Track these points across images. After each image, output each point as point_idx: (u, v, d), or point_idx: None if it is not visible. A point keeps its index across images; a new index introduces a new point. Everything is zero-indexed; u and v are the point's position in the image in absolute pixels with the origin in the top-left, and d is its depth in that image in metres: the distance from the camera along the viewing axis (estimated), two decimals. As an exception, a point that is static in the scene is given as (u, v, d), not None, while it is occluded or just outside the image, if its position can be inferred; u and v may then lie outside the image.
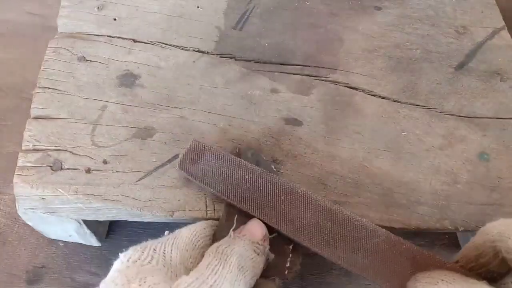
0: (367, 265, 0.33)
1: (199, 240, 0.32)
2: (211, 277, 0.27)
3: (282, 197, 0.35)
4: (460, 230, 0.38)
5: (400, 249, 0.33)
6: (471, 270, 0.30)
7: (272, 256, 0.32)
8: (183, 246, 0.30)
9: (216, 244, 0.30)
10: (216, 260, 0.28)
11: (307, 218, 0.34)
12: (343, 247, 0.33)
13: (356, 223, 0.34)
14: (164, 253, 0.29)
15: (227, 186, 0.35)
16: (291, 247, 0.34)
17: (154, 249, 0.29)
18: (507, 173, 0.40)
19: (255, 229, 0.32)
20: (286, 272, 0.33)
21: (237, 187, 0.35)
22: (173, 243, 0.30)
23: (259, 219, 0.34)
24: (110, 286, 0.25)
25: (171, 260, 0.29)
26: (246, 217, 0.34)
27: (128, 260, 0.28)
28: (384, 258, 0.33)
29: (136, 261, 0.28)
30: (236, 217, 0.34)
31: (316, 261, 0.48)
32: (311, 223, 0.34)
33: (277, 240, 0.33)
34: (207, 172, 0.36)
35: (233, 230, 0.32)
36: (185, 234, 0.31)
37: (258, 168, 0.36)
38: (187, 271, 0.29)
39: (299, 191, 0.35)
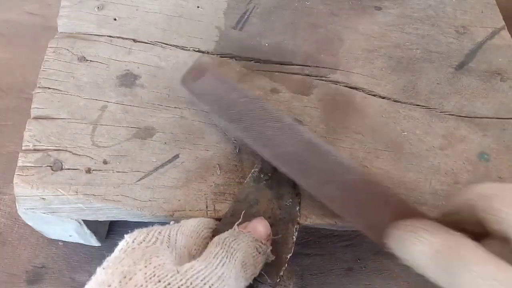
0: (336, 197, 0.34)
1: (203, 230, 0.32)
2: (219, 267, 0.27)
3: (269, 123, 0.36)
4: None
5: (376, 190, 0.34)
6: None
7: (272, 257, 0.32)
8: (188, 232, 0.31)
9: (222, 235, 0.30)
10: (223, 252, 0.28)
11: (288, 146, 0.36)
12: (316, 179, 0.34)
13: (333, 157, 0.35)
14: (169, 236, 0.29)
15: (221, 106, 0.37)
16: (288, 256, 0.34)
17: (159, 232, 0.29)
18: (507, 173, 0.40)
19: (260, 228, 0.32)
20: (278, 280, 0.32)
21: (230, 109, 0.37)
22: (178, 229, 0.30)
23: (244, 140, 0.36)
24: (117, 266, 0.26)
25: (175, 243, 0.29)
26: (252, 216, 0.34)
27: (133, 242, 0.28)
28: (356, 195, 0.34)
29: (141, 242, 0.28)
30: (243, 213, 0.34)
31: (316, 261, 0.48)
32: (291, 151, 0.35)
33: (277, 246, 0.33)
34: (205, 90, 0.38)
35: (238, 225, 0.32)
36: (191, 222, 0.32)
37: (251, 93, 0.38)
38: (191, 257, 0.29)
39: (287, 120, 0.37)
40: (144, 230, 0.29)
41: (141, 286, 0.24)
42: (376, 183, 0.34)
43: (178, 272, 0.25)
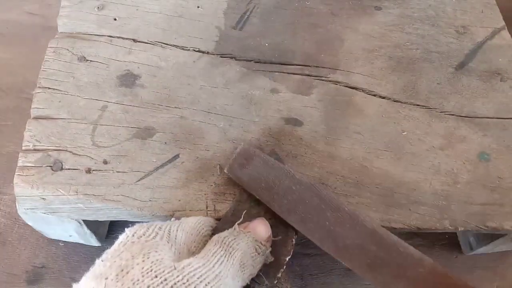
0: None
1: (203, 228, 0.32)
2: (217, 266, 0.27)
3: (328, 214, 0.34)
4: (460, 230, 0.38)
5: (445, 281, 0.32)
6: None
7: (271, 259, 0.32)
8: (188, 229, 0.31)
9: (221, 234, 0.30)
10: (222, 250, 0.28)
11: (351, 238, 0.33)
12: (385, 273, 0.32)
13: (401, 249, 0.33)
14: (170, 232, 0.29)
15: (273, 196, 0.35)
16: (287, 259, 0.34)
17: (160, 227, 0.29)
18: (507, 173, 0.40)
19: (261, 228, 0.32)
20: (275, 282, 0.32)
21: (282, 198, 0.34)
22: (179, 226, 0.30)
23: (303, 233, 0.34)
24: (115, 259, 0.26)
25: (175, 239, 0.29)
26: (254, 216, 0.34)
27: (133, 235, 0.28)
28: (426, 287, 0.32)
29: (141, 236, 0.28)
30: (244, 213, 0.34)
31: (316, 262, 0.48)
32: (354, 244, 0.33)
33: (276, 248, 0.33)
34: (254, 178, 0.35)
35: (238, 224, 0.32)
36: (191, 219, 0.32)
37: (306, 179, 0.36)
38: (190, 254, 0.29)
39: (346, 209, 0.34)
40: (145, 224, 0.29)
41: (138, 280, 0.24)
42: (445, 273, 0.32)
43: (175, 268, 0.25)
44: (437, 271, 0.32)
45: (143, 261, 0.25)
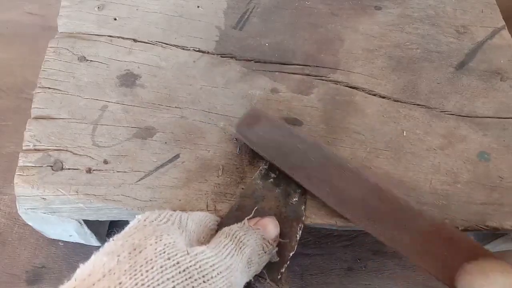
0: (408, 244, 0.33)
1: (210, 222, 0.33)
2: (228, 258, 0.27)
3: (331, 170, 0.36)
4: (460, 230, 0.38)
5: (445, 233, 0.33)
6: None
7: (276, 259, 0.32)
8: (197, 220, 0.31)
9: (232, 227, 0.30)
10: (233, 244, 0.28)
11: (353, 192, 0.35)
12: (385, 225, 0.34)
13: (402, 203, 0.35)
14: (181, 219, 0.30)
15: (279, 154, 0.37)
16: (291, 254, 0.34)
17: (171, 214, 0.30)
18: (508, 172, 0.40)
19: (271, 227, 0.32)
20: (279, 277, 0.32)
21: (288, 156, 0.36)
22: (188, 215, 0.31)
23: (307, 188, 0.36)
24: (127, 239, 0.26)
25: (186, 226, 0.29)
26: (257, 212, 0.34)
27: (145, 220, 0.28)
28: (426, 240, 0.33)
29: (153, 221, 0.28)
30: (255, 209, 0.34)
31: (316, 262, 0.48)
32: (356, 197, 0.35)
33: (280, 243, 0.33)
34: (261, 137, 0.37)
35: (248, 219, 0.32)
36: (198, 212, 0.32)
37: (310, 138, 0.38)
38: (199, 244, 0.30)
39: (350, 166, 0.36)
40: (156, 211, 0.29)
41: (151, 260, 0.24)
42: (444, 225, 0.34)
43: (188, 253, 0.26)
44: (436, 223, 0.34)
45: (156, 242, 0.25)
